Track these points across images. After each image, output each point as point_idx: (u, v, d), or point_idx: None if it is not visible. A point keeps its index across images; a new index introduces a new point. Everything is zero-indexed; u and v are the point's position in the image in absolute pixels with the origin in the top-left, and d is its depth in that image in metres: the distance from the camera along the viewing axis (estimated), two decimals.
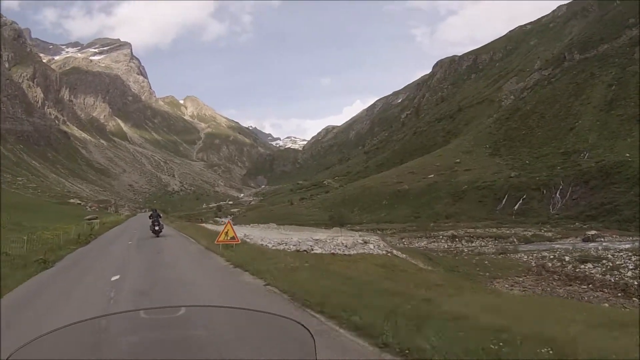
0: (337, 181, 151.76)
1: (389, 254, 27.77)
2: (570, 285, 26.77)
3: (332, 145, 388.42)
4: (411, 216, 77.87)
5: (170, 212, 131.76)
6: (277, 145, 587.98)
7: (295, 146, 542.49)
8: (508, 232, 52.11)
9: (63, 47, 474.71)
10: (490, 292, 17.66)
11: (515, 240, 45.91)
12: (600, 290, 25.91)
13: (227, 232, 16.64)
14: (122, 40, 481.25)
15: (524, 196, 72.29)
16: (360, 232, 47.04)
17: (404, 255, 29.57)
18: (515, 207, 71.21)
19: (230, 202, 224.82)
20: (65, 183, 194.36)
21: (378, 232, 59.42)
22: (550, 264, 32.30)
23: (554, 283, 27.26)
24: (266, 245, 25.19)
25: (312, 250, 26.42)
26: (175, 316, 1.83)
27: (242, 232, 36.43)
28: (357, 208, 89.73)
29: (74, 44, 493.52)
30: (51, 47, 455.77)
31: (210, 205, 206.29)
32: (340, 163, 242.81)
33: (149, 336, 1.78)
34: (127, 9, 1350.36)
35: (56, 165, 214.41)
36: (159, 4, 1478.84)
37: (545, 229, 54.58)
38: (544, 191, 71.44)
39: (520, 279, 27.89)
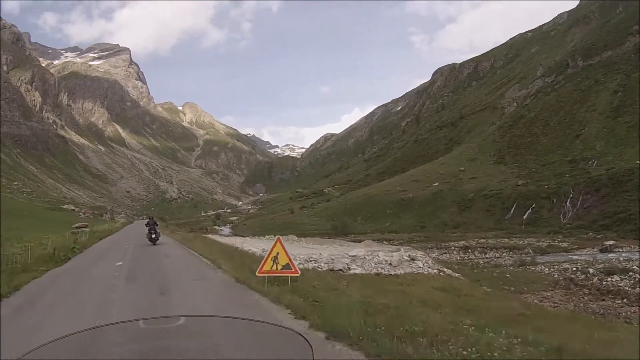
0: (337, 189, 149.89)
1: (441, 273, 24.38)
2: (603, 300, 24.77)
3: (330, 153, 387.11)
4: (417, 226, 75.91)
5: (168, 220, 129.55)
6: (276, 153, 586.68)
7: (294, 154, 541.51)
8: (521, 242, 50.13)
9: (62, 51, 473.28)
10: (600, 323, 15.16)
11: (530, 251, 43.95)
12: (636, 305, 23.97)
13: (276, 257, 10.65)
14: (121, 45, 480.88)
15: (533, 205, 70.44)
16: (404, 247, 40.95)
17: (457, 274, 26.71)
18: (525, 217, 69.31)
19: (229, 210, 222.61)
20: (62, 189, 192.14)
21: (385, 242, 57.48)
22: (574, 277, 30.45)
23: (585, 298, 25.26)
24: None
25: (350, 269, 22.16)
26: (174, 326, 1.85)
27: (259, 245, 33.14)
28: (361, 217, 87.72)
29: (73, 49, 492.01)
30: (50, 51, 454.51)
31: (209, 213, 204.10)
32: (339, 171, 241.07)
33: (148, 346, 1.79)
34: (127, 15, 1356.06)
35: (53, 170, 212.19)
36: (158, 10, 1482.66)
37: (558, 239, 52.63)
38: (554, 200, 69.60)
39: (548, 294, 25.85)
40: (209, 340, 1.83)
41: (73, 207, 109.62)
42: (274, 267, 10.64)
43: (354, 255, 26.07)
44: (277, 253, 10.72)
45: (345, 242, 47.50)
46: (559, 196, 69.78)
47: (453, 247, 49.32)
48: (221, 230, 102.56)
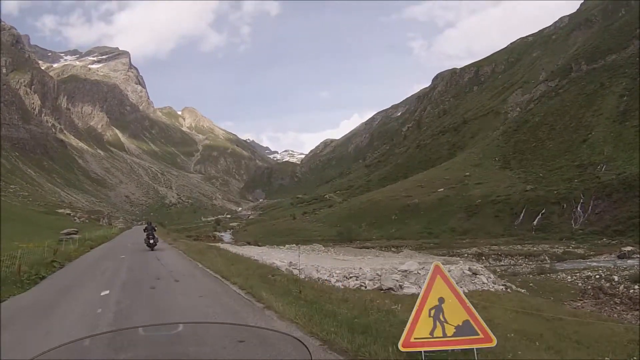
0: (339, 195, 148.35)
1: (508, 290, 21.67)
2: (637, 310, 23.31)
3: (330, 159, 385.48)
4: (424, 232, 74.34)
5: (168, 225, 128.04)
6: (275, 159, 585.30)
7: (293, 159, 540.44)
8: (535, 249, 48.74)
9: (62, 54, 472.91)
10: None
11: (547, 258, 42.51)
12: None
13: (439, 309, 5.04)
14: (120, 49, 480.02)
15: (543, 211, 69.00)
16: (461, 259, 36.32)
17: (524, 290, 24.39)
18: (535, 223, 67.90)
19: (229, 216, 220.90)
20: (60, 193, 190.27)
21: (392, 249, 56.02)
22: (602, 285, 28.99)
23: (618, 308, 23.74)
24: (326, 280, 18.48)
25: (402, 288, 18.18)
26: (173, 333, 1.86)
27: (281, 257, 30.11)
28: (365, 223, 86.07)
29: (73, 52, 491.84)
30: (50, 54, 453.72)
31: (209, 219, 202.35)
32: (340, 177, 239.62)
33: (147, 353, 1.81)
34: (127, 18, 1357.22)
35: (52, 174, 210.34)
36: (158, 14, 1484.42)
37: (572, 245, 51.25)
38: (564, 205, 68.16)
39: (578, 304, 24.38)
40: (209, 346, 1.84)
41: (69, 212, 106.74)
42: (439, 332, 4.99)
43: (405, 270, 22.10)
44: (441, 299, 5.10)
45: (381, 253, 43.96)
46: (569, 201, 68.36)
47: (466, 255, 47.76)
48: (222, 236, 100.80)
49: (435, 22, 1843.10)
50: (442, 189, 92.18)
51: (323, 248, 48.11)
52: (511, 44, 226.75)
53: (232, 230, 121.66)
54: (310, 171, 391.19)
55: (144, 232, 28.94)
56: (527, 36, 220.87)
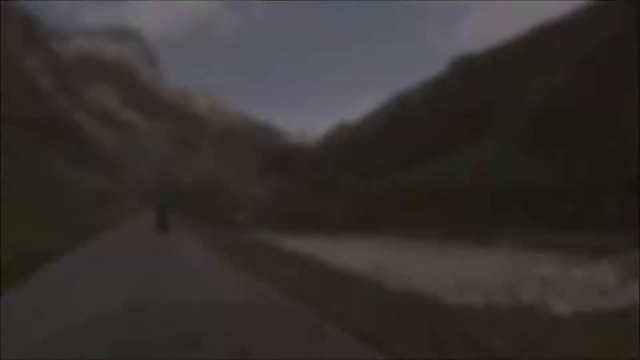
0: (355, 180, 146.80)
1: None
2: None
3: (346, 143, 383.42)
4: (447, 220, 72.46)
5: (181, 206, 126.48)
6: (290, 142, 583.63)
7: (308, 142, 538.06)
8: (572, 241, 46.69)
9: (75, 35, 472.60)
10: None
11: (587, 250, 40.51)
12: None
13: None
14: (135, 30, 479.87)
15: (574, 201, 66.81)
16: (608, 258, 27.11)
17: None
18: (565, 213, 65.73)
19: (243, 199, 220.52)
20: (72, 174, 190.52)
21: (418, 237, 54.30)
22: None
23: None
24: (434, 293, 13.00)
25: (547, 304, 12.24)
26: (181, 312, 1.88)
27: (349, 255, 22.25)
28: (385, 209, 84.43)
29: (86, 33, 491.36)
30: (63, 35, 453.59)
31: (223, 202, 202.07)
32: (356, 161, 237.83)
33: (160, 331, 1.81)
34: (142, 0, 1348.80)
35: (63, 155, 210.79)
36: None
37: (609, 237, 49.09)
38: (595, 196, 65.87)
39: None
40: (216, 325, 1.84)
41: (73, 191, 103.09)
42: None
43: (544, 276, 16.36)
44: None
45: (470, 246, 36.99)
46: (600, 192, 66.04)
47: (503, 245, 45.85)
48: (243, 223, 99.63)
49: (452, 8, 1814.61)
50: (465, 176, 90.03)
51: (396, 240, 42.61)
52: (531, 30, 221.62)
53: (246, 214, 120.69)
54: (325, 154, 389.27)
55: (157, 213, 29.28)
56: (547, 23, 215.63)
